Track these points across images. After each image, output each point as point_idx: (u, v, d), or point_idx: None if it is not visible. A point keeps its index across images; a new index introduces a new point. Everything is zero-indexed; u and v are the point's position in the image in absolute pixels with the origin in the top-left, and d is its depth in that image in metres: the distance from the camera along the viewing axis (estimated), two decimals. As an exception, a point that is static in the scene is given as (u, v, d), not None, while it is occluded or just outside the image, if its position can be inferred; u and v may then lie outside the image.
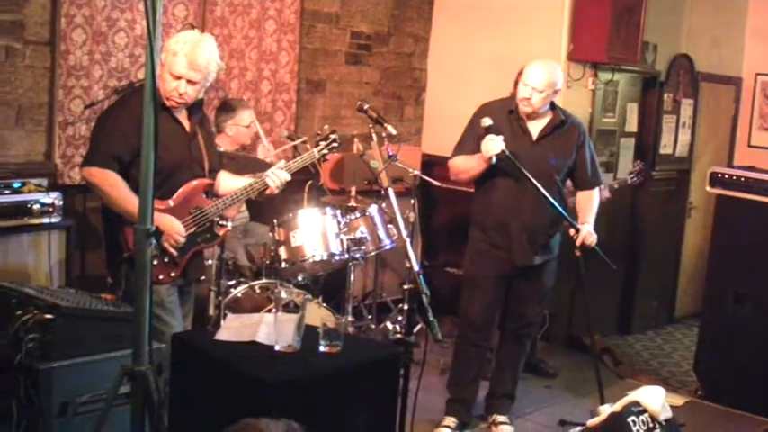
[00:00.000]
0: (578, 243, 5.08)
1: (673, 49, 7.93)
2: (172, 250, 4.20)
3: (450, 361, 5.50)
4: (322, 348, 3.48)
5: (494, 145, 4.87)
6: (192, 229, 4.30)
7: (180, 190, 4.25)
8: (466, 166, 5.15)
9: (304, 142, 6.06)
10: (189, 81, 4.15)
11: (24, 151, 5.41)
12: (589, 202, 5.31)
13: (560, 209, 5.01)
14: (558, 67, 5.16)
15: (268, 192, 4.51)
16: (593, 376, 6.32)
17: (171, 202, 4.23)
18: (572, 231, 5.11)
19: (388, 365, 3.60)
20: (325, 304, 5.35)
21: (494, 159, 4.90)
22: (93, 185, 4.20)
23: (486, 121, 4.94)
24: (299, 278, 5.49)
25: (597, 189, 5.37)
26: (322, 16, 6.92)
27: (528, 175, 4.88)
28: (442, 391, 5.46)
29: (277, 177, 4.48)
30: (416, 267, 3.90)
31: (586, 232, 5.13)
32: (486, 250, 5.19)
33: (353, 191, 6.04)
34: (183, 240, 4.22)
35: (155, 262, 4.08)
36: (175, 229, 4.19)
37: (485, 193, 5.20)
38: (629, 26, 6.88)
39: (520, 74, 5.21)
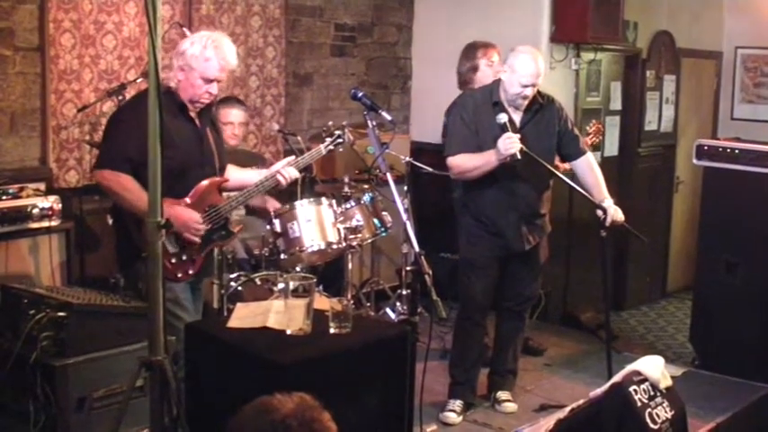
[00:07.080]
0: (608, 224, 4.95)
1: (653, 26, 8.01)
2: (195, 239, 4.23)
3: (451, 344, 5.51)
4: (332, 330, 3.55)
5: (513, 144, 4.77)
6: (208, 227, 4.33)
7: (194, 189, 4.29)
8: (474, 164, 5.00)
9: (293, 134, 6.14)
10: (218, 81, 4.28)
11: (19, 157, 5.45)
12: (594, 174, 5.17)
13: (588, 195, 5.05)
14: (538, 53, 5.07)
15: (278, 188, 4.59)
16: (590, 352, 6.44)
17: (188, 200, 4.26)
18: (599, 213, 4.98)
19: (397, 343, 3.66)
20: (325, 293, 5.40)
21: (518, 156, 4.78)
22: (105, 188, 4.22)
23: (503, 118, 4.86)
24: (297, 269, 5.53)
25: (590, 155, 5.28)
26: (306, 10, 6.97)
27: (549, 167, 4.94)
28: (443, 374, 5.49)
29: (288, 174, 4.54)
30: (417, 249, 3.96)
31: (614, 210, 4.99)
32: (481, 235, 5.20)
33: (347, 179, 6.10)
34: (202, 229, 4.25)
35: (173, 260, 4.14)
36: (193, 218, 4.22)
37: (479, 186, 5.11)
38: (610, 5, 6.95)
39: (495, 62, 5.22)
